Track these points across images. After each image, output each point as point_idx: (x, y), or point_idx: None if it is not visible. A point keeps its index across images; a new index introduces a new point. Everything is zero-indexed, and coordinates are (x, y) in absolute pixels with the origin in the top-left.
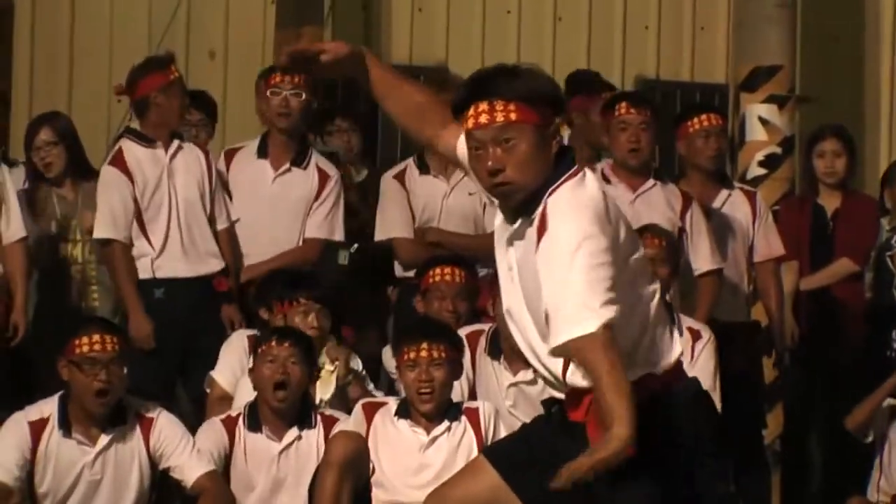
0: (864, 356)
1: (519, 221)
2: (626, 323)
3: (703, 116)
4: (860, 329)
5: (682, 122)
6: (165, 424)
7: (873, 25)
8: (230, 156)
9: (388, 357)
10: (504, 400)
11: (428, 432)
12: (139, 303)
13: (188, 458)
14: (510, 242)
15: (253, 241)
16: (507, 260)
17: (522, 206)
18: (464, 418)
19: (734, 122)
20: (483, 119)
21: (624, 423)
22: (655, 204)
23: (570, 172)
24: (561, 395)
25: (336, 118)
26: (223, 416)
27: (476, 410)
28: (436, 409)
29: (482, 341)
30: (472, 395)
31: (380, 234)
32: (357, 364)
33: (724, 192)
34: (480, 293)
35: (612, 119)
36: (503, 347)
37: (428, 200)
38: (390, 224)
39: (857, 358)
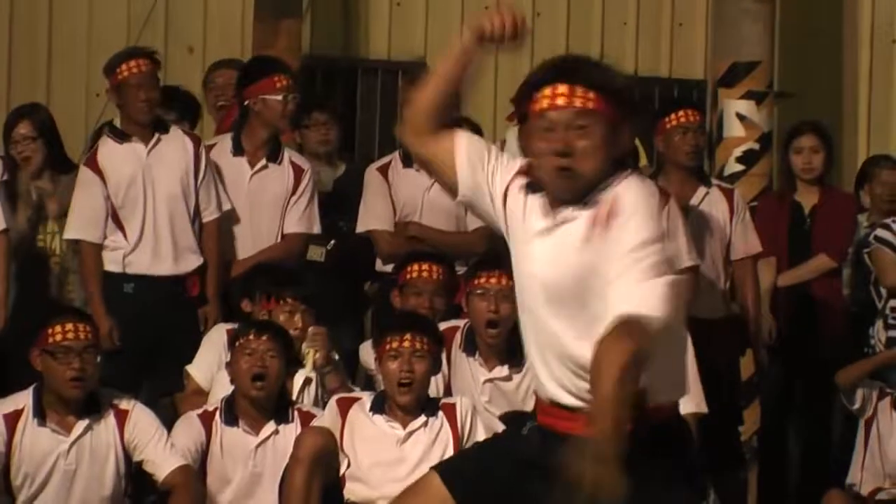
0: (842, 352)
1: (568, 208)
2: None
3: (681, 113)
4: (838, 325)
5: (660, 119)
6: (140, 417)
7: (851, 21)
8: (206, 152)
9: (365, 353)
10: (479, 396)
11: (404, 426)
12: (102, 304)
13: (161, 451)
14: (544, 234)
15: (233, 238)
16: (532, 256)
17: (572, 195)
18: (441, 414)
19: (712, 118)
20: (561, 101)
21: (608, 420)
22: None
23: (628, 172)
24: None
25: (313, 111)
26: (200, 411)
27: (453, 406)
28: (414, 402)
29: (458, 337)
30: (448, 392)
31: (360, 226)
32: (335, 357)
33: (702, 190)
34: (458, 290)
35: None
36: (478, 344)
37: (409, 194)
38: (371, 216)
39: (834, 354)
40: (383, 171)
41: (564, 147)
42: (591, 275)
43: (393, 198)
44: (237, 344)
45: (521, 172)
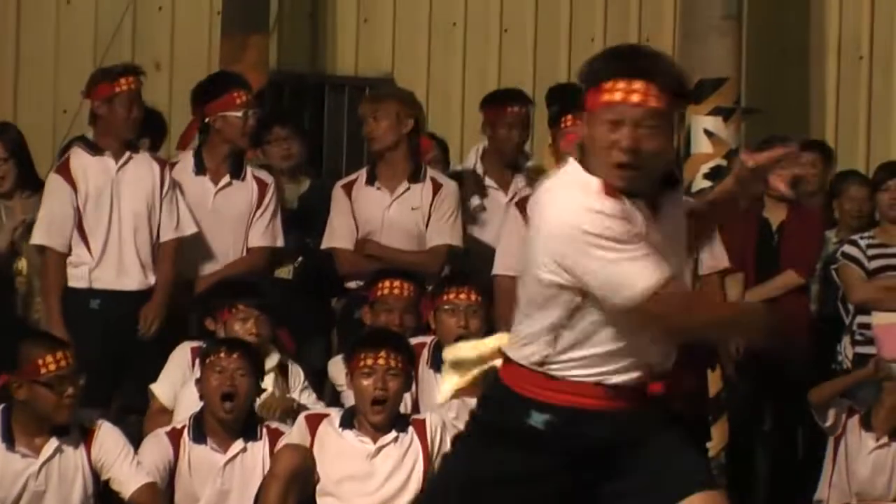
0: (810, 368)
1: (660, 194)
2: None
3: None
4: (806, 341)
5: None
6: (107, 436)
7: (818, 38)
8: (349, 187)
9: (334, 369)
10: (447, 412)
11: (374, 441)
12: (60, 315)
13: (128, 469)
14: (653, 221)
15: (199, 256)
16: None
17: (628, 188)
18: (411, 429)
19: (679, 134)
20: (635, 98)
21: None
22: None
23: None
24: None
25: (274, 127)
26: (168, 429)
27: (423, 422)
28: (387, 420)
29: (425, 353)
30: (416, 408)
31: (324, 243)
32: (300, 376)
33: None
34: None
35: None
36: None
37: (370, 212)
38: (333, 234)
39: (802, 370)
40: (347, 188)
41: (634, 144)
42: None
43: (355, 216)
44: (207, 361)
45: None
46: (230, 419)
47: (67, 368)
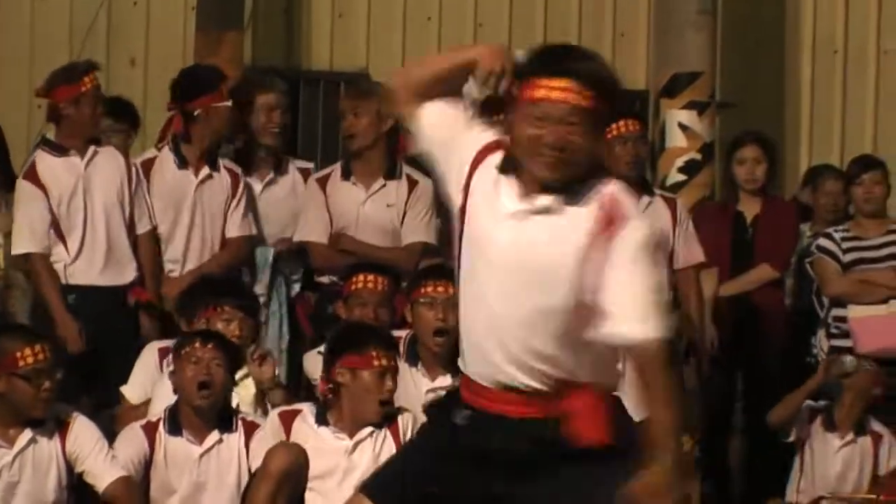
0: (785, 362)
1: (548, 196)
2: None
3: (622, 122)
4: (780, 335)
5: None
6: (81, 428)
7: (793, 32)
8: (147, 166)
9: (309, 363)
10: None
11: (351, 437)
12: (64, 308)
13: (102, 462)
14: (520, 216)
15: (185, 250)
16: (503, 236)
17: (554, 183)
18: (385, 426)
19: (654, 128)
20: (557, 95)
21: (668, 454)
22: None
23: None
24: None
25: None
26: (143, 422)
27: (396, 420)
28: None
29: (400, 348)
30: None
31: (297, 236)
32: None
33: (644, 199)
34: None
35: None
36: (421, 353)
37: (345, 207)
38: (307, 228)
39: (777, 363)
40: (322, 182)
41: (556, 141)
42: (573, 268)
43: (329, 210)
44: (182, 352)
45: (495, 147)
46: (206, 407)
47: (45, 362)
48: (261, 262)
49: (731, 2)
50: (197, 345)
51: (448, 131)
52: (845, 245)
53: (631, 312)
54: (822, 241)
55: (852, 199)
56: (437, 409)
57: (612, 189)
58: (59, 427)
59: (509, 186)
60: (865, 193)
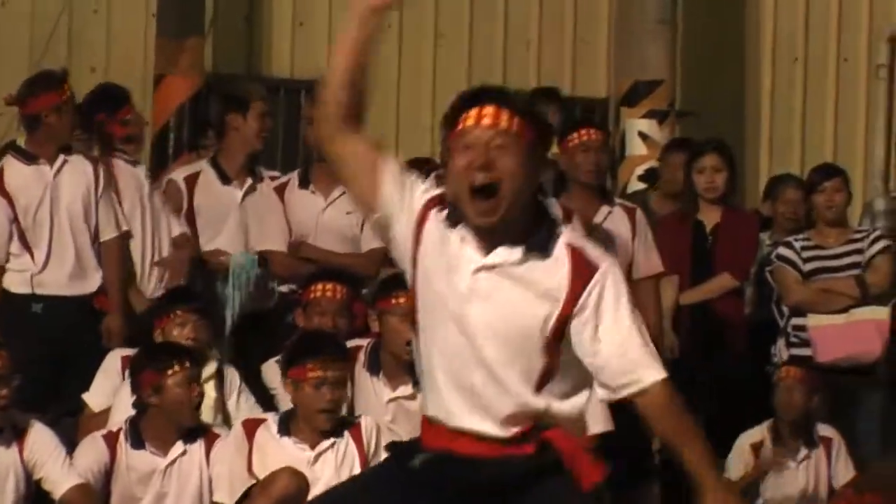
0: (745, 370)
1: (508, 248)
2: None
3: (583, 131)
4: (740, 344)
5: (563, 138)
6: (39, 435)
7: (754, 40)
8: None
9: (269, 372)
10: (383, 415)
11: (313, 448)
12: None
13: (59, 469)
14: (484, 270)
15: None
16: (468, 290)
17: (495, 222)
18: (346, 433)
19: (614, 136)
20: (486, 121)
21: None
22: None
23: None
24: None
25: (209, 131)
26: (104, 432)
27: (358, 426)
28: (334, 427)
29: (361, 356)
30: (351, 411)
31: (257, 245)
32: (236, 380)
33: (604, 208)
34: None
35: None
36: (383, 363)
37: (304, 215)
38: (265, 236)
39: (737, 372)
40: (280, 190)
41: (484, 161)
42: (547, 319)
43: (288, 218)
44: (170, 372)
45: (439, 201)
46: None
47: (3, 369)
48: (236, 268)
49: (690, 11)
50: (176, 367)
51: (398, 195)
52: (805, 254)
53: (637, 360)
54: (783, 250)
55: (813, 208)
56: (395, 452)
57: (569, 238)
58: (17, 435)
59: (464, 241)
60: (827, 201)
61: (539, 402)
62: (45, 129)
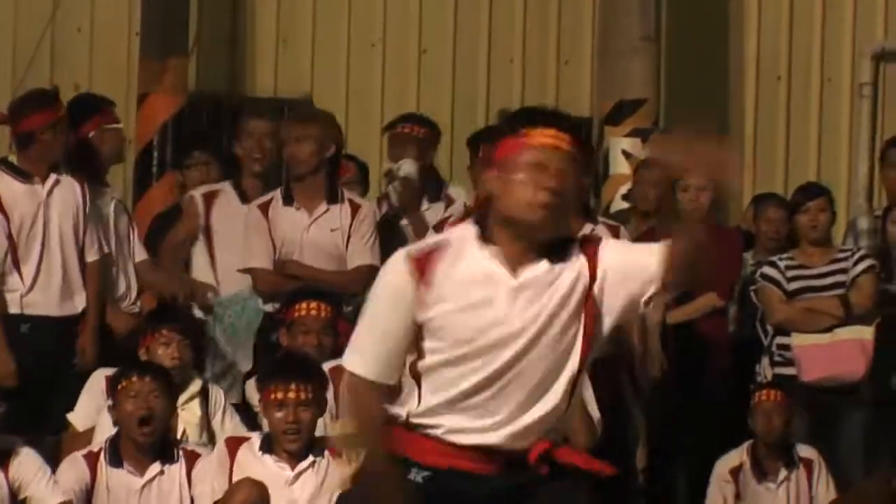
0: (729, 389)
1: (545, 262)
2: None
3: None
4: (724, 362)
5: None
6: (24, 457)
7: (737, 59)
8: (210, 199)
9: (251, 391)
10: None
11: (293, 468)
12: (4, 342)
13: (44, 488)
14: (519, 289)
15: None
16: (502, 312)
17: (544, 232)
18: (327, 453)
19: (598, 155)
20: (553, 142)
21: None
22: None
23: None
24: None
25: (195, 151)
26: (84, 452)
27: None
28: (301, 447)
29: (345, 375)
30: None
31: (241, 264)
32: (220, 399)
33: (588, 226)
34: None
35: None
36: None
37: (288, 233)
38: (250, 255)
39: (721, 391)
40: (264, 208)
41: (558, 186)
42: (578, 318)
43: (272, 236)
44: (119, 387)
45: (436, 248)
46: (149, 442)
47: None
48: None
49: (674, 28)
50: (134, 378)
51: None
52: (790, 273)
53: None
54: (767, 270)
55: (797, 227)
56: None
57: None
58: (2, 458)
59: (491, 260)
60: (811, 221)
61: (567, 408)
62: (38, 146)
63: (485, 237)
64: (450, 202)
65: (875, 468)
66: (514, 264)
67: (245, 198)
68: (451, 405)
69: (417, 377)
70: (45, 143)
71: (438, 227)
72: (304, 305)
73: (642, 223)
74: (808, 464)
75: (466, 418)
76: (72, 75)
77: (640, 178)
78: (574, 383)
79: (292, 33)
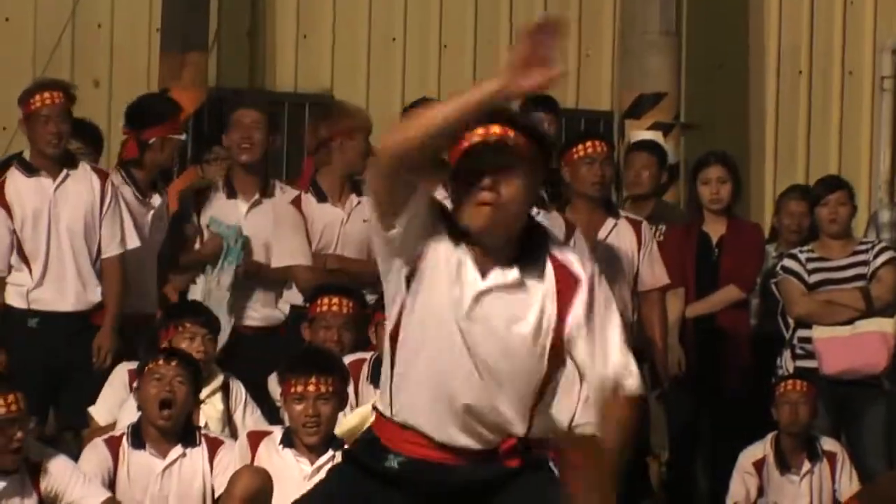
0: (750, 383)
1: (504, 267)
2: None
3: (588, 143)
4: (746, 356)
5: (567, 150)
6: (54, 466)
7: (758, 53)
8: (297, 203)
9: (273, 385)
10: None
11: (312, 462)
12: None
13: (82, 490)
14: (489, 292)
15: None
16: (464, 309)
17: (498, 236)
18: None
19: (619, 149)
20: (493, 138)
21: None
22: None
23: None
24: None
25: (214, 146)
26: (106, 437)
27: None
28: (321, 441)
29: (365, 369)
30: None
31: (278, 262)
32: (241, 393)
33: (610, 221)
34: (369, 321)
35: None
36: None
37: (326, 227)
38: (288, 252)
39: (742, 385)
40: (296, 204)
41: (492, 182)
42: (543, 338)
43: (309, 231)
44: (145, 369)
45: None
46: (168, 426)
47: (18, 412)
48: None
49: (694, 23)
50: (160, 362)
51: (422, 232)
52: (810, 266)
53: (613, 367)
54: (788, 262)
55: (817, 220)
56: (356, 454)
57: (555, 251)
58: (32, 472)
59: (461, 263)
60: (830, 214)
61: (531, 418)
62: (31, 139)
63: (454, 237)
64: None
65: None
66: (481, 264)
67: (233, 193)
68: (403, 388)
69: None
70: (32, 135)
71: None
72: (325, 301)
73: (638, 208)
74: (832, 457)
75: (425, 410)
76: (91, 71)
77: (630, 162)
78: (537, 394)
79: (312, 28)
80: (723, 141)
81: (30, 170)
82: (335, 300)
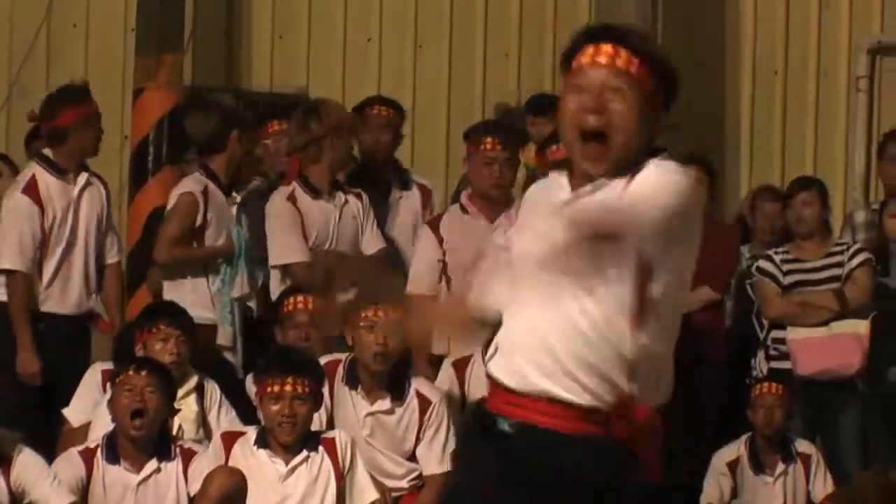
0: (725, 382)
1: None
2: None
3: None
4: (721, 356)
5: (544, 151)
6: (24, 461)
7: (733, 53)
8: (292, 199)
9: (249, 385)
10: (361, 429)
11: (286, 462)
12: (30, 339)
13: (48, 490)
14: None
15: None
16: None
17: (602, 168)
18: (321, 448)
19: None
20: (602, 59)
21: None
22: None
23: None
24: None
25: (191, 146)
26: (81, 448)
27: (333, 440)
28: (296, 441)
29: (340, 370)
30: (331, 424)
31: (275, 260)
32: (216, 394)
33: None
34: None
35: (478, 151)
36: (361, 377)
37: (321, 224)
38: (286, 249)
39: (717, 384)
40: (292, 200)
41: (596, 104)
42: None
43: (305, 228)
44: (117, 381)
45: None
46: (140, 437)
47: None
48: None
49: (669, 22)
50: (131, 372)
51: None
52: (785, 267)
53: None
54: (762, 263)
55: (788, 221)
56: (472, 426)
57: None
58: (2, 463)
59: (561, 185)
60: (796, 214)
61: (635, 341)
62: (72, 141)
63: (560, 166)
64: (424, 190)
65: (872, 461)
66: (574, 187)
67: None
68: (516, 340)
69: None
70: (80, 137)
71: None
72: (292, 300)
73: None
74: (806, 458)
75: (537, 357)
76: (67, 71)
77: None
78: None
79: (288, 28)
80: (698, 141)
81: (58, 171)
82: (300, 299)
